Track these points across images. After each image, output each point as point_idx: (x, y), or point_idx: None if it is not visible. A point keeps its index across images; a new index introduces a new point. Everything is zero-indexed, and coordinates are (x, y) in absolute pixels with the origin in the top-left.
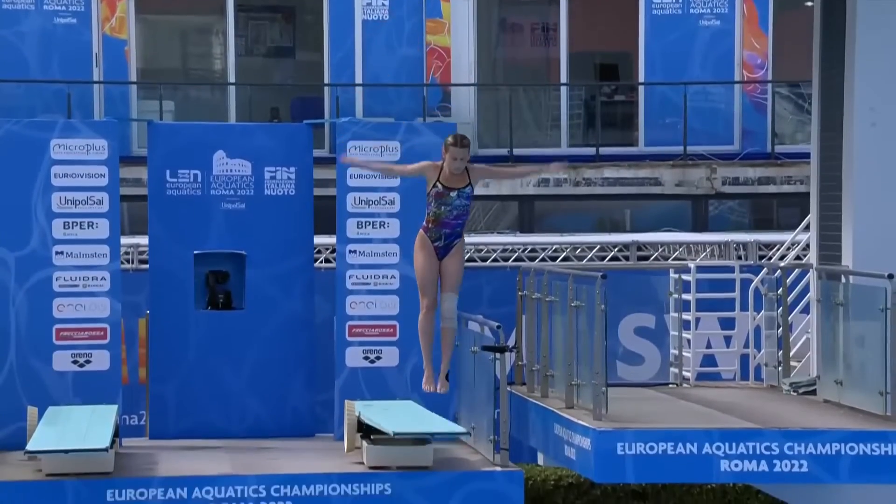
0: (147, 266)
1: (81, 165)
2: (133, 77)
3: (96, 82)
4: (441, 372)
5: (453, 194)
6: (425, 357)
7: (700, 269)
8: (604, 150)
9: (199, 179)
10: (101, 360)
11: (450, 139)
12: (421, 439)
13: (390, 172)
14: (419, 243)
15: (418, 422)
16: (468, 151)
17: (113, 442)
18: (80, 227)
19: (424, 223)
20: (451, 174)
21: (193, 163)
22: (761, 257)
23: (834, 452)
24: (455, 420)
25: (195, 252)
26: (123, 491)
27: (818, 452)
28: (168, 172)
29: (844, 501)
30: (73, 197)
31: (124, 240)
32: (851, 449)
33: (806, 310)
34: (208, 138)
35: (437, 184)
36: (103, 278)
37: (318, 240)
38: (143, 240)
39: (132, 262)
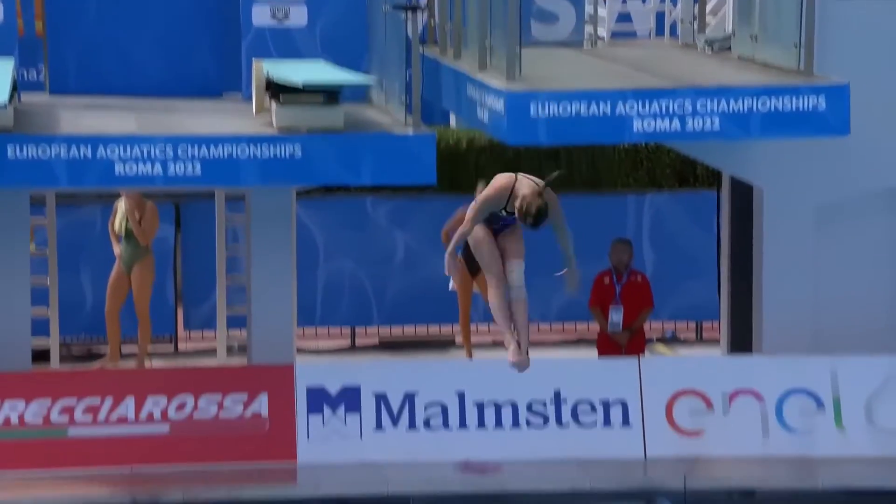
0: None
1: None
2: None
3: None
4: (521, 348)
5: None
6: (506, 331)
7: None
8: None
9: None
10: None
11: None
12: (331, 98)
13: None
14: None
15: (328, 75)
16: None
17: (11, 96)
18: None
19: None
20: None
21: None
22: None
23: (746, 109)
24: None
25: None
26: (24, 147)
27: (730, 109)
28: None
29: (753, 158)
30: None
31: None
32: (763, 104)
33: None
34: None
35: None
36: None
37: None
38: None
39: None
